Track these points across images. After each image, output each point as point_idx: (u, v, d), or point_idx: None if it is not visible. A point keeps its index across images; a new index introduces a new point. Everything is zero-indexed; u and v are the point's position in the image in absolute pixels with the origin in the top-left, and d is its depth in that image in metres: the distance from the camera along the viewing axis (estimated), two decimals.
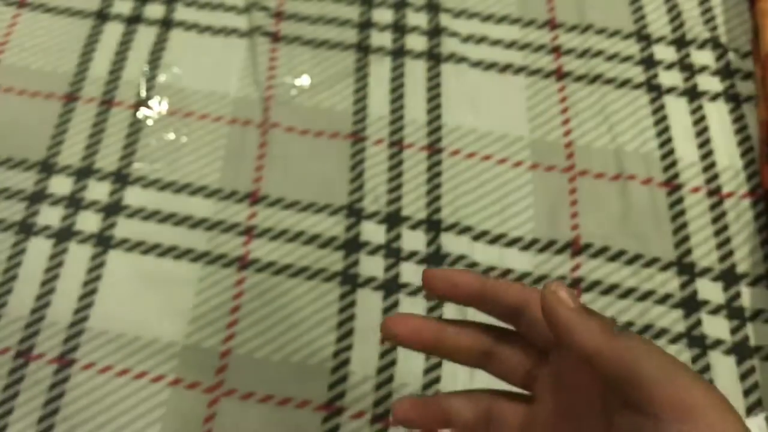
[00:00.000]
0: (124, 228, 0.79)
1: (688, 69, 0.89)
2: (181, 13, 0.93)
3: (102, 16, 0.93)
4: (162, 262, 0.77)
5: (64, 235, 0.78)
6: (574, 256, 0.77)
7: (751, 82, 0.87)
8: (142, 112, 0.86)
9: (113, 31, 0.92)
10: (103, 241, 0.78)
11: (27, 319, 0.73)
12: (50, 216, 0.79)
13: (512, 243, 0.78)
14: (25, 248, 0.77)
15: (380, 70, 0.89)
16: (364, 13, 0.93)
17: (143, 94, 0.87)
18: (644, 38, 0.91)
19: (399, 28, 0.92)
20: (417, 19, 0.93)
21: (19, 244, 0.77)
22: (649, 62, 0.89)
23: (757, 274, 0.76)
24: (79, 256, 0.77)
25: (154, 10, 0.93)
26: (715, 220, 0.79)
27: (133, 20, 0.93)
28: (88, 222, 0.79)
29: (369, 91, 0.87)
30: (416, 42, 0.91)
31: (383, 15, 0.93)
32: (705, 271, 0.76)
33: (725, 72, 0.88)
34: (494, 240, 0.78)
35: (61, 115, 0.86)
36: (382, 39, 0.91)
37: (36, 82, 0.88)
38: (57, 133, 0.84)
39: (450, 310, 0.74)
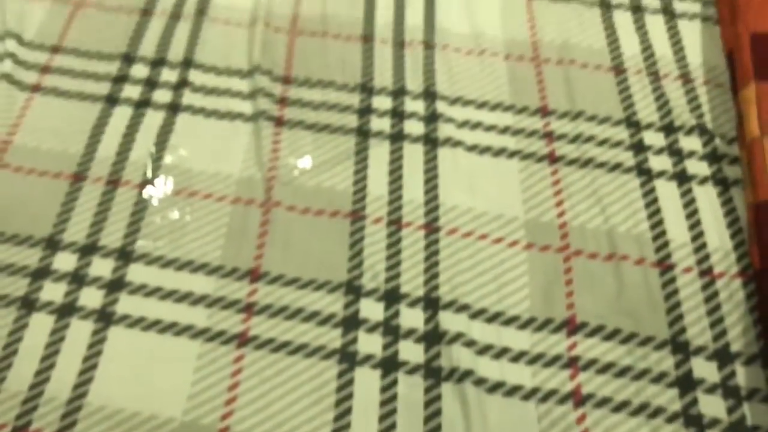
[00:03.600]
0: (126, 304, 0.79)
1: (676, 154, 0.92)
2: (189, 98, 0.97)
3: (112, 100, 0.97)
4: (162, 339, 0.77)
5: (66, 310, 0.79)
6: (570, 335, 0.78)
7: (737, 166, 0.90)
8: (147, 191, 0.88)
9: (122, 115, 0.95)
10: (105, 317, 0.78)
11: (25, 395, 0.73)
12: (53, 292, 0.80)
13: (509, 321, 0.79)
14: (26, 323, 0.78)
15: (380, 152, 0.92)
16: (364, 100, 0.97)
17: (149, 174, 0.90)
18: (634, 125, 0.95)
19: (398, 114, 0.96)
20: (415, 105, 0.97)
21: (21, 319, 0.78)
22: (638, 147, 0.92)
23: (752, 353, 0.76)
24: (80, 331, 0.77)
25: (163, 95, 0.97)
26: (707, 300, 0.80)
27: (142, 104, 0.96)
28: (91, 298, 0.80)
29: (369, 172, 0.90)
30: (414, 127, 0.95)
31: (383, 102, 0.97)
32: (699, 350, 0.77)
33: (712, 157, 0.91)
34: (492, 318, 0.79)
35: (68, 194, 0.88)
36: (381, 124, 0.95)
37: (45, 162, 0.91)
38: (63, 211, 0.86)
39: (447, 392, 0.74)
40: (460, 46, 1.03)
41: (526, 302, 0.81)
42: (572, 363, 0.76)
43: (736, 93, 0.95)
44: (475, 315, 0.79)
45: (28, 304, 0.79)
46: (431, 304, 0.80)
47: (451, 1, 1.09)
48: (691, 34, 1.05)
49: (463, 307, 0.79)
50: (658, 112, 0.96)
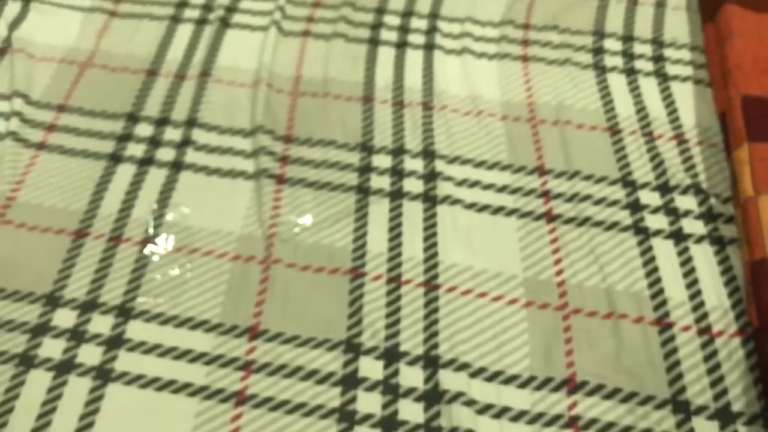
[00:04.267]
0: (125, 361, 0.79)
1: (672, 213, 0.93)
2: (192, 156, 0.98)
3: (116, 158, 0.98)
4: (160, 396, 0.77)
5: (64, 367, 0.78)
6: (570, 394, 0.78)
7: (733, 225, 0.91)
8: (149, 248, 0.89)
9: (125, 172, 0.97)
10: (103, 374, 0.78)
11: None
12: (52, 348, 0.80)
13: (509, 380, 0.79)
14: (24, 380, 0.77)
15: (379, 210, 0.93)
16: (364, 159, 0.99)
17: (151, 231, 0.90)
18: (629, 184, 0.96)
19: (397, 172, 0.97)
20: (414, 164, 0.98)
21: (19, 376, 0.78)
22: (635, 206, 0.94)
23: (753, 413, 0.76)
24: (78, 388, 0.77)
25: (166, 154, 0.99)
26: (707, 359, 0.80)
27: (145, 162, 0.98)
28: (90, 355, 0.79)
29: (368, 229, 0.91)
30: (413, 185, 0.96)
31: (382, 160, 0.99)
32: (700, 410, 0.76)
33: (708, 216, 0.92)
34: (492, 377, 0.79)
35: (69, 250, 0.88)
36: (381, 182, 0.96)
37: (48, 218, 0.91)
38: (64, 268, 0.87)
39: None
40: (458, 107, 1.06)
41: (526, 361, 0.80)
42: (573, 422, 0.76)
43: (730, 153, 0.97)
44: (475, 374, 0.79)
45: (27, 361, 0.79)
46: (431, 362, 0.80)
47: (449, 65, 1.12)
48: (685, 96, 1.07)
49: (463, 366, 0.79)
50: (654, 171, 0.97)
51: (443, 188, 0.95)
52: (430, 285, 0.86)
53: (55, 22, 1.17)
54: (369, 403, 0.77)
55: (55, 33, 1.15)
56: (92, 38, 1.15)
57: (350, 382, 0.78)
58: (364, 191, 0.95)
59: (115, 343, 0.80)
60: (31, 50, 1.11)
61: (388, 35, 1.16)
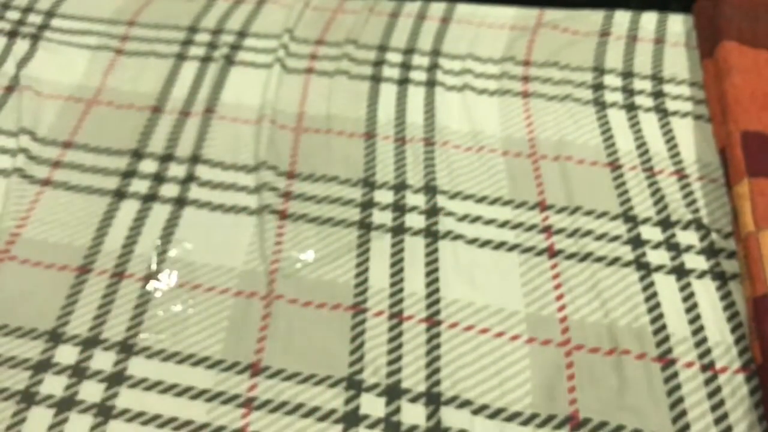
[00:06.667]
0: (126, 398, 0.79)
1: (674, 248, 0.93)
2: (195, 192, 0.99)
3: (120, 194, 0.99)
4: None
5: (65, 404, 0.78)
6: (573, 431, 0.77)
7: (735, 260, 0.91)
8: (151, 284, 0.89)
9: (129, 208, 0.97)
10: (104, 412, 0.78)
11: None
12: (53, 385, 0.80)
13: (512, 417, 0.78)
14: (25, 417, 0.77)
15: (381, 245, 0.93)
16: (366, 194, 1.00)
17: (154, 267, 0.91)
18: (631, 219, 0.96)
19: (399, 208, 0.98)
20: (415, 199, 0.99)
21: (20, 413, 0.77)
22: (636, 242, 0.94)
23: None
24: (79, 426, 0.77)
25: (170, 190, 1.00)
26: (711, 395, 0.79)
27: (149, 198, 0.98)
28: (91, 392, 0.79)
29: (370, 265, 0.91)
30: (415, 220, 0.96)
31: (384, 196, 0.99)
32: None
33: (710, 251, 0.92)
34: (494, 414, 0.79)
35: (72, 287, 0.89)
36: (383, 217, 0.97)
37: (52, 254, 0.92)
38: (67, 304, 0.87)
39: None
40: (460, 143, 1.06)
41: (528, 398, 0.80)
42: None
43: (730, 188, 0.97)
44: (477, 411, 0.79)
45: (28, 398, 0.79)
46: (433, 399, 0.79)
47: (450, 102, 1.13)
48: (685, 131, 1.08)
49: (465, 403, 0.79)
50: (655, 207, 0.98)
51: (445, 224, 0.95)
52: (432, 321, 0.86)
53: (62, 60, 1.19)
54: None
55: (63, 71, 1.17)
56: (99, 76, 1.17)
57: (352, 419, 0.78)
58: (366, 227, 0.96)
59: (116, 379, 0.80)
60: (38, 88, 1.13)
61: (391, 72, 1.18)
